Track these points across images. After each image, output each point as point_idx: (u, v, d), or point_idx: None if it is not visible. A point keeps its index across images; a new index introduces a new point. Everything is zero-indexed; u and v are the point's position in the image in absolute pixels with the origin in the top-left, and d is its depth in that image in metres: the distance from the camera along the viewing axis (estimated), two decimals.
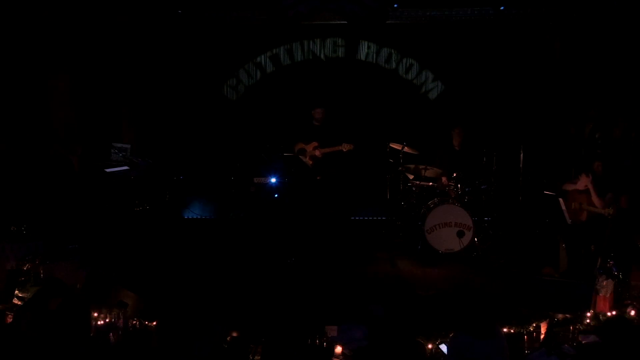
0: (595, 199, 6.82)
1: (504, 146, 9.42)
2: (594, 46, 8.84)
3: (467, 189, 8.05)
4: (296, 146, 8.54)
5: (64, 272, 6.21)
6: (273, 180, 8.94)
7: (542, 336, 4.84)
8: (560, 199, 7.12)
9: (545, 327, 4.86)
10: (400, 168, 8.43)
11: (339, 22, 8.82)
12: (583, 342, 4.57)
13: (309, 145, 8.48)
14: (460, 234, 7.78)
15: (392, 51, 9.57)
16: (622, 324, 4.21)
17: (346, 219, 9.12)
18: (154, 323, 5.08)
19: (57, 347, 3.97)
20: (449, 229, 7.84)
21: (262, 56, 9.73)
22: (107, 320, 5.20)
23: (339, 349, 4.84)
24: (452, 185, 8.14)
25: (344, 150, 8.20)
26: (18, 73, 8.87)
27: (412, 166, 8.44)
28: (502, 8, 8.08)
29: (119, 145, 8.97)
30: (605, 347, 4.15)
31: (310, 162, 8.39)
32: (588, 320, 5.32)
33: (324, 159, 8.37)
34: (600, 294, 5.59)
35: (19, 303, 5.45)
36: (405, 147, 8.37)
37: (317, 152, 8.38)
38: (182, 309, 4.13)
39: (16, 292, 5.67)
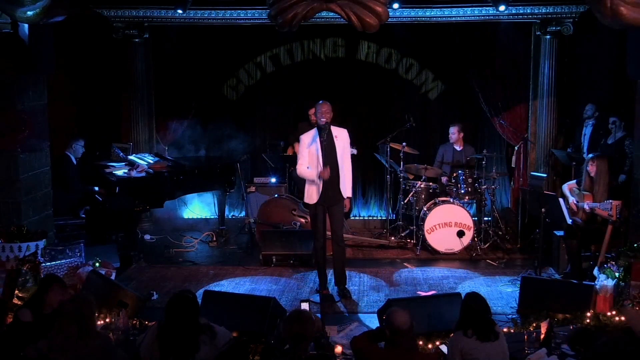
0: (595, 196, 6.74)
1: (504, 146, 9.44)
2: (594, 45, 8.84)
3: (467, 189, 8.06)
4: (290, 149, 8.48)
5: (64, 272, 6.23)
6: (273, 180, 8.94)
7: (542, 336, 4.84)
8: (560, 199, 7.11)
9: (545, 327, 4.86)
10: (401, 168, 8.42)
11: (339, 22, 8.79)
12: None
13: None
14: (460, 234, 7.79)
15: (392, 51, 9.55)
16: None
17: (345, 218, 9.09)
18: (154, 323, 5.08)
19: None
20: (449, 229, 7.86)
21: (262, 56, 9.70)
22: (107, 320, 5.22)
23: (339, 349, 4.85)
24: (452, 185, 8.14)
25: None
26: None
27: (412, 166, 8.45)
28: (502, 8, 8.07)
29: (119, 145, 8.97)
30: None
31: None
32: (588, 320, 5.33)
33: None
34: (600, 294, 5.59)
35: (19, 303, 5.44)
36: (405, 147, 8.37)
37: None
38: (182, 309, 4.12)
39: (16, 292, 5.67)
